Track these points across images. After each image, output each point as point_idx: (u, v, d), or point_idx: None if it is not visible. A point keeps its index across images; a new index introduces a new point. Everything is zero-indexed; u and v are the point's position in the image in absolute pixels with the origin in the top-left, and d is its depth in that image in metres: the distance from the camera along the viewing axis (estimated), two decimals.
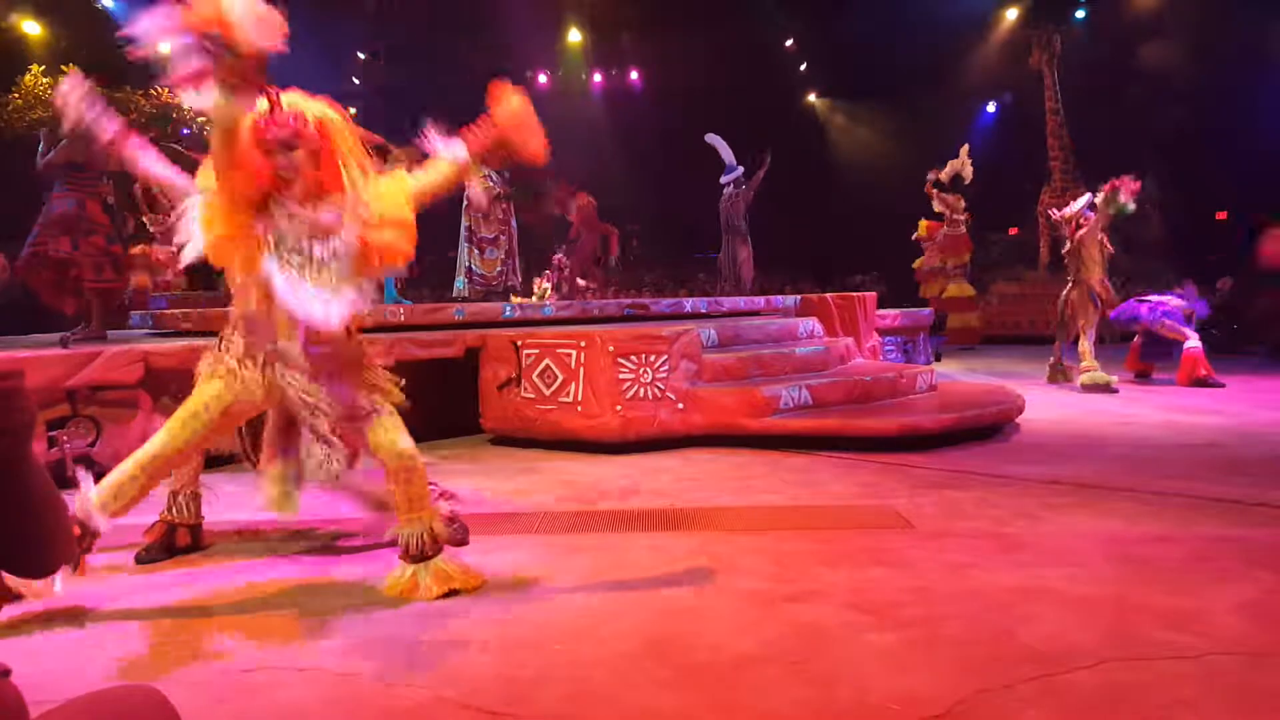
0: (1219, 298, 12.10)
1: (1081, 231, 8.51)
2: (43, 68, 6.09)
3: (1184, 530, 3.57)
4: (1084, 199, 8.58)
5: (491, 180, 8.73)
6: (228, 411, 3.01)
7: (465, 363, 6.10)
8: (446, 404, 5.97)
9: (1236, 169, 15.00)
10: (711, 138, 11.78)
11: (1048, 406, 7.22)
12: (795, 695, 2.21)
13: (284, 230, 2.87)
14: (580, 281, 11.01)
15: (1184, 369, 8.35)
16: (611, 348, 5.67)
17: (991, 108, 20.73)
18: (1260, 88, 16.12)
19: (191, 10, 2.39)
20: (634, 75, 21.81)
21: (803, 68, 22.06)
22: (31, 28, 12.75)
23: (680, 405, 5.76)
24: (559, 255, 11.64)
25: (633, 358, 5.68)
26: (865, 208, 19.09)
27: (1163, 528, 3.62)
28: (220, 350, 3.05)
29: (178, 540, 3.55)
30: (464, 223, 9.09)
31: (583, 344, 5.73)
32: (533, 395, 5.83)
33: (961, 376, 9.37)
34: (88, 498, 2.94)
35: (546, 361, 5.80)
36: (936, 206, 14.46)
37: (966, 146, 14.28)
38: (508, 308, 7.42)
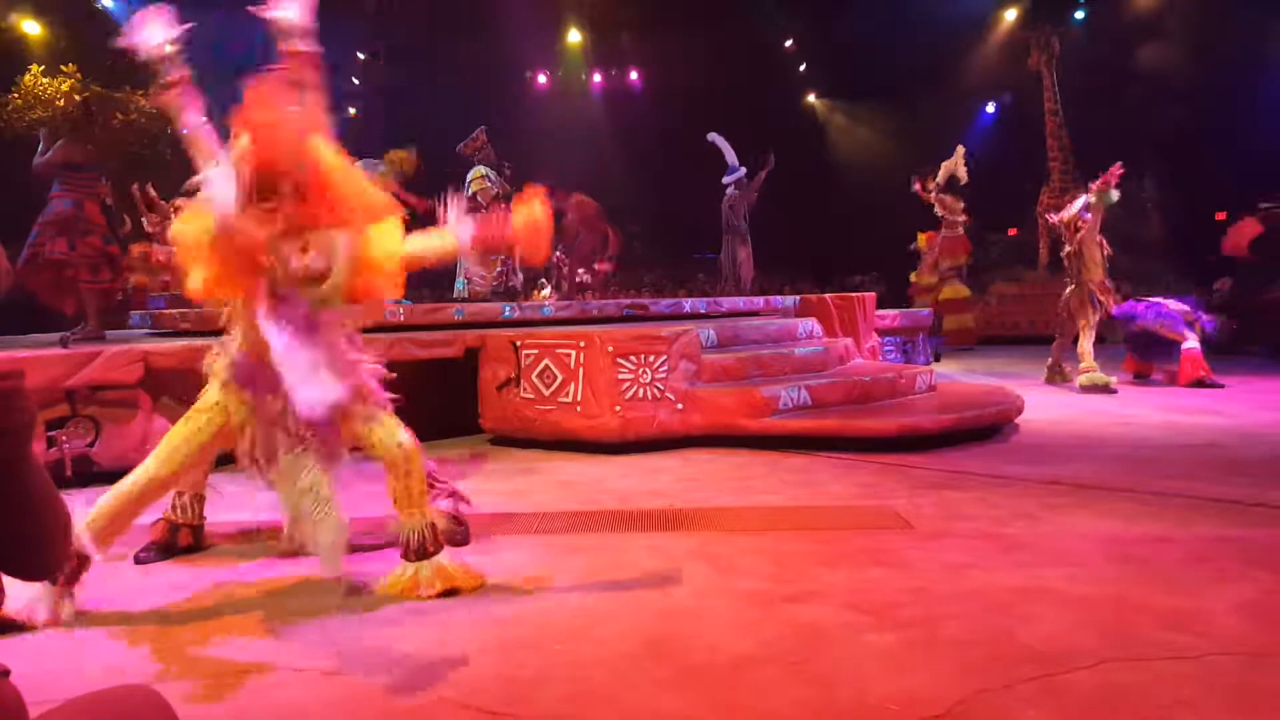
0: (1218, 298, 12.10)
1: (1080, 233, 8.53)
2: (42, 68, 6.06)
3: (1183, 530, 3.57)
4: (1080, 201, 8.59)
5: (490, 181, 8.73)
6: (220, 433, 3.02)
7: (465, 363, 6.10)
8: (446, 404, 5.97)
9: (1236, 169, 14.97)
10: (714, 138, 11.77)
11: (1047, 407, 7.23)
12: (795, 695, 2.21)
13: (276, 276, 2.86)
14: (583, 271, 10.94)
15: (1183, 370, 8.36)
16: (611, 348, 5.68)
17: (991, 108, 20.71)
18: (1260, 88, 16.11)
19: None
20: (634, 75, 21.78)
21: (802, 68, 22.05)
22: (31, 28, 12.75)
23: (679, 405, 5.76)
24: (557, 255, 11.62)
25: (632, 358, 5.68)
26: (865, 208, 19.07)
27: (1162, 528, 3.62)
28: (214, 362, 3.06)
29: (179, 541, 3.55)
30: None
31: (582, 344, 5.73)
32: (532, 395, 5.84)
33: (960, 377, 9.37)
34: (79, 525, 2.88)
35: (546, 362, 5.80)
36: (936, 210, 14.38)
37: (961, 148, 14.25)
38: (507, 308, 7.42)
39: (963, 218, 14.16)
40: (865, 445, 5.44)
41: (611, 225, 11.14)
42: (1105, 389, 8.04)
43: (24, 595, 2.79)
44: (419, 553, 3.03)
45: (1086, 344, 8.39)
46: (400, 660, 2.47)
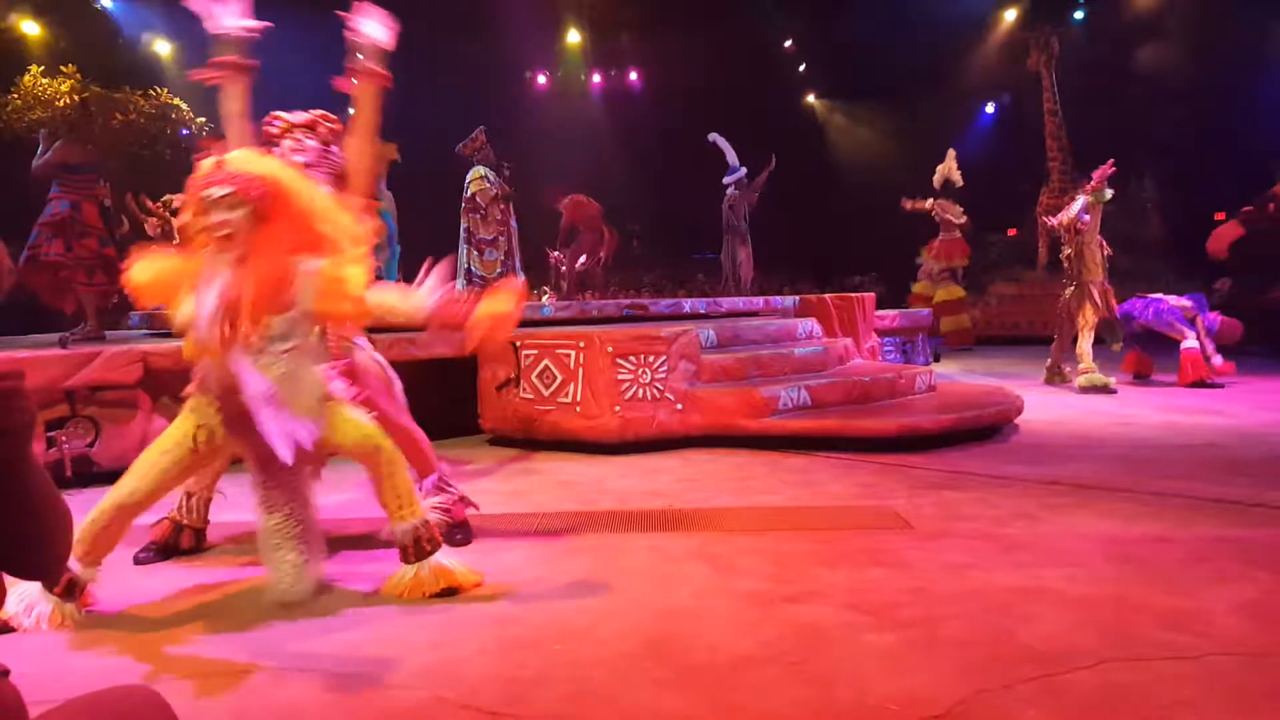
0: (1218, 298, 12.10)
1: (1080, 235, 8.52)
2: (42, 68, 6.07)
3: (1183, 531, 3.57)
4: (1078, 203, 8.59)
5: (489, 181, 8.71)
6: (207, 443, 2.97)
7: (465, 363, 6.10)
8: (446, 404, 5.96)
9: (1236, 169, 14.97)
10: (715, 138, 11.78)
11: (1046, 407, 7.23)
12: (794, 696, 2.21)
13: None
14: (585, 258, 10.94)
15: (1183, 369, 8.36)
16: (610, 348, 5.68)
17: (990, 109, 20.73)
18: (1260, 88, 16.11)
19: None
20: (633, 75, 21.78)
21: (802, 68, 22.06)
22: (30, 28, 12.76)
23: (679, 406, 5.76)
24: (557, 254, 11.63)
25: (631, 358, 5.68)
26: (865, 208, 19.06)
27: (1162, 528, 3.62)
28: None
29: (182, 542, 3.54)
30: (463, 224, 9.08)
31: (581, 344, 5.73)
32: (532, 396, 5.84)
33: (960, 377, 9.37)
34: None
35: (545, 362, 5.80)
36: (934, 216, 14.31)
37: (952, 151, 14.24)
38: None
39: (961, 220, 14.15)
40: (865, 445, 5.44)
41: (609, 226, 11.15)
42: (1105, 389, 8.05)
43: (24, 599, 2.80)
44: (417, 553, 3.03)
45: (1085, 345, 8.39)
46: (400, 660, 2.47)
